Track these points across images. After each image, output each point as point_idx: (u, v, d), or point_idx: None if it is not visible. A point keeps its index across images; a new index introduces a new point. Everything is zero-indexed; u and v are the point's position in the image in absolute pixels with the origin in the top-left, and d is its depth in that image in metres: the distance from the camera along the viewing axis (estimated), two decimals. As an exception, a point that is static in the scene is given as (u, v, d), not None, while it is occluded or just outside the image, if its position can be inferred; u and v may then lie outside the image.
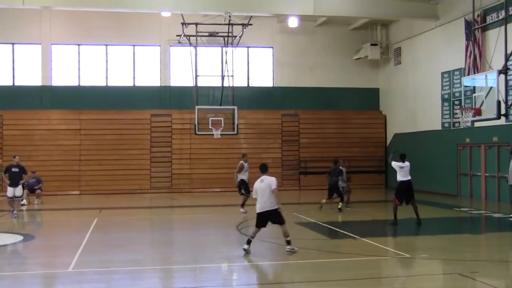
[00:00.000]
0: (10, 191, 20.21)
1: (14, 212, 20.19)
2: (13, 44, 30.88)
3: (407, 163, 17.50)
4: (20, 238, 15.92)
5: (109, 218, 20.47)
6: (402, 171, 17.41)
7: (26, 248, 14.90)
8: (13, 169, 20.38)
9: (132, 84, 31.84)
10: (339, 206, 20.78)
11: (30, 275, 11.68)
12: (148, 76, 32.03)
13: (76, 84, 31.33)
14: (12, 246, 15.04)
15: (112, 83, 31.62)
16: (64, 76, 31.34)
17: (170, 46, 31.73)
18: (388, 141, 33.22)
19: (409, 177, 17.40)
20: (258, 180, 13.40)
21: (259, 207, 13.18)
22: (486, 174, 24.41)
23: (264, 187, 13.14)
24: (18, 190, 20.45)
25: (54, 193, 28.79)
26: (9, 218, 19.97)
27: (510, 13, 21.23)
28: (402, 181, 17.37)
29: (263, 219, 13.21)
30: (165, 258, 13.43)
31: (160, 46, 31.82)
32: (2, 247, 14.83)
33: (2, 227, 18.21)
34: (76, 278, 11.21)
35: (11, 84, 30.85)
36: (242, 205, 20.22)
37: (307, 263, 12.19)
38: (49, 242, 15.40)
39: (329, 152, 31.79)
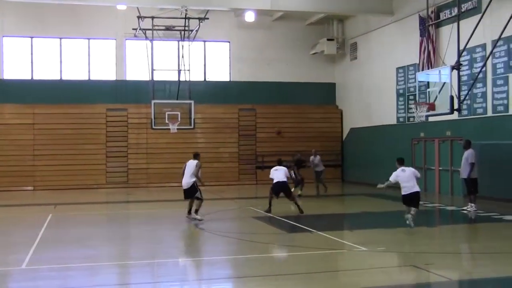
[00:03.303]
0: None
1: None
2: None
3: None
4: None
5: (64, 214, 20.19)
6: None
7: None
8: None
9: (87, 78, 31.43)
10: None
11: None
12: (103, 70, 31.66)
13: (29, 77, 30.77)
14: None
15: (67, 77, 31.16)
16: (16, 69, 30.75)
17: (126, 39, 31.42)
18: (345, 136, 33.54)
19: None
20: None
21: None
22: (440, 168, 24.84)
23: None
24: None
25: (7, 188, 28.30)
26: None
27: (463, 10, 21.62)
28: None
29: None
30: (121, 254, 13.32)
31: (115, 39, 31.48)
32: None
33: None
34: (30, 275, 11.02)
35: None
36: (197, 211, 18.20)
37: (265, 257, 12.23)
38: (2, 239, 15.10)
39: (286, 146, 32.00)
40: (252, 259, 12.21)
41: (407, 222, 15.15)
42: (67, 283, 10.60)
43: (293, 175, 22.22)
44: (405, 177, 15.40)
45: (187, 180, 17.35)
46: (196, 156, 17.92)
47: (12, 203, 24.05)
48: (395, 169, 15.63)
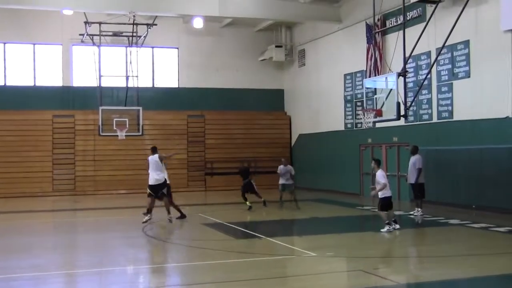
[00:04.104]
0: None
1: None
2: None
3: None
4: None
5: (8, 223, 19.74)
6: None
7: None
8: None
9: (32, 84, 30.84)
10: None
11: None
12: (49, 76, 31.13)
13: (-28, 83, 30.09)
14: None
15: (11, 82, 30.53)
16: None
17: (73, 45, 30.98)
18: (293, 142, 33.73)
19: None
20: None
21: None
22: (387, 174, 25.15)
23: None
24: None
25: None
26: None
27: (408, 18, 22.04)
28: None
29: None
30: (68, 262, 13.08)
31: (62, 45, 31.00)
32: None
33: None
34: (-27, 286, 10.74)
35: None
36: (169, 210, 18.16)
37: (215, 263, 12.17)
38: None
39: (235, 152, 32.05)
40: (202, 266, 12.15)
41: (392, 228, 15.32)
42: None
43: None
44: (387, 178, 15.64)
45: (155, 176, 17.24)
46: (154, 150, 17.85)
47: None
48: (374, 171, 15.88)
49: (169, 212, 17.69)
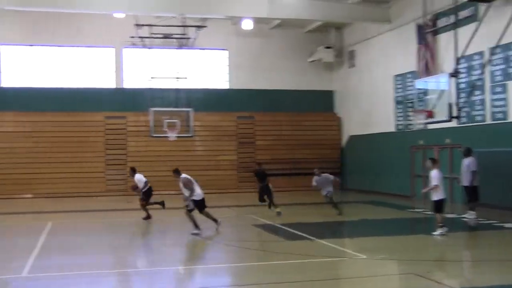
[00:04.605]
0: None
1: None
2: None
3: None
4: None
5: (63, 222, 20.14)
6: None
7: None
8: None
9: (86, 86, 31.43)
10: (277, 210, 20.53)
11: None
12: (102, 78, 31.69)
13: (28, 85, 30.79)
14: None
15: (66, 85, 31.18)
16: (15, 77, 30.79)
17: (124, 47, 31.44)
18: (344, 143, 33.55)
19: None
20: None
21: None
22: (439, 176, 24.79)
23: None
24: None
25: (6, 196, 28.24)
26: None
27: (460, 18, 21.69)
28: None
29: None
30: (121, 262, 13.29)
31: (114, 47, 31.50)
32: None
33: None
34: (30, 283, 11.00)
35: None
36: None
37: (264, 265, 12.21)
38: (2, 247, 15.07)
39: (284, 154, 32.07)
40: (251, 267, 12.19)
41: (441, 232, 15.13)
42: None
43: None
44: (442, 179, 15.29)
45: (200, 191, 16.78)
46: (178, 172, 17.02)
47: (11, 211, 24.00)
48: (429, 171, 15.54)
49: (215, 220, 17.13)
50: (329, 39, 33.14)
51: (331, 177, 20.52)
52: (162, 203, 20.63)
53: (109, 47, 31.50)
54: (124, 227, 19.41)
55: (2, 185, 28.67)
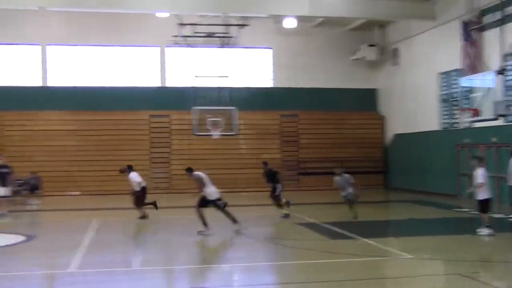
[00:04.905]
0: (0, 191, 20.31)
1: (1, 213, 20.25)
2: (11, 44, 30.89)
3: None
4: (22, 238, 15.95)
5: (109, 219, 20.44)
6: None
7: (28, 248, 14.90)
8: (1, 170, 20.44)
9: (130, 85, 31.84)
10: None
11: (31, 275, 11.68)
12: (146, 77, 32.06)
13: (73, 85, 31.35)
14: (14, 246, 15.04)
15: (110, 84, 31.63)
16: (61, 77, 31.37)
17: (167, 46, 31.72)
18: (388, 142, 33.29)
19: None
20: None
21: None
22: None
23: None
24: (6, 190, 20.53)
25: (53, 193, 28.78)
26: (11, 218, 19.97)
27: (507, 14, 21.32)
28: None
29: None
30: (167, 258, 13.45)
31: (159, 46, 31.83)
32: (5, 248, 14.86)
33: (5, 227, 18.24)
34: (76, 278, 11.21)
35: (11, 85, 30.86)
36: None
37: (309, 263, 12.21)
38: (50, 243, 15.39)
39: (328, 152, 31.96)
40: (296, 265, 12.22)
41: (489, 233, 14.92)
42: (112, 287, 10.74)
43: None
44: (487, 178, 15.01)
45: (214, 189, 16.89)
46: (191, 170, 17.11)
47: (59, 207, 24.46)
48: (474, 169, 15.28)
49: (234, 220, 16.79)
50: (372, 37, 32.89)
51: (352, 178, 19.58)
52: (154, 204, 20.46)
53: (154, 46, 31.84)
54: (169, 225, 19.59)
55: (50, 182, 29.21)
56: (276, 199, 20.02)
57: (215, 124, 27.88)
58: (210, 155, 31.24)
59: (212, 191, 16.47)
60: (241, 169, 31.07)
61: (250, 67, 33.08)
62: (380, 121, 33.74)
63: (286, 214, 19.47)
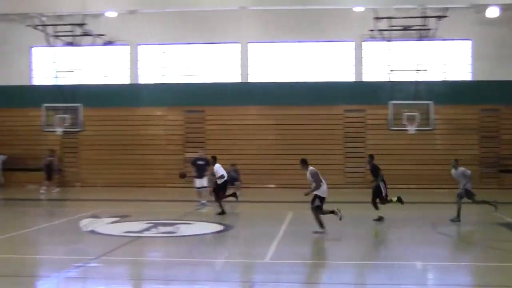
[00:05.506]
0: (197, 182, 21.66)
1: (202, 202, 21.44)
2: (213, 43, 32.56)
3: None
4: (221, 228, 16.81)
5: (304, 212, 20.82)
6: None
7: (226, 237, 15.69)
8: (199, 162, 21.92)
9: (325, 80, 32.16)
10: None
11: (229, 263, 12.26)
12: (341, 72, 32.20)
13: (272, 80, 32.32)
14: (213, 235, 15.92)
15: (306, 79, 32.19)
16: (261, 73, 32.48)
17: (363, 41, 31.56)
18: None
19: None
20: None
21: None
22: None
23: None
24: (204, 181, 21.78)
25: (251, 186, 29.88)
26: (211, 208, 21.07)
27: None
28: None
29: None
30: (361, 253, 13.45)
31: (354, 41, 31.81)
32: (203, 236, 15.76)
33: (205, 217, 19.33)
34: (273, 269, 11.59)
35: (213, 81, 32.56)
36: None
37: (507, 266, 11.62)
38: (247, 233, 16.02)
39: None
40: (495, 267, 11.68)
41: None
42: (307, 279, 10.96)
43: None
44: None
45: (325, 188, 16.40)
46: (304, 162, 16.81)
47: (256, 199, 25.39)
48: None
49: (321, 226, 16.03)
50: None
51: (468, 171, 18.26)
52: (234, 195, 20.30)
53: (348, 41, 31.88)
54: (362, 220, 19.53)
55: (247, 175, 30.34)
56: (383, 198, 18.67)
57: (411, 119, 27.36)
58: (405, 150, 30.61)
59: (325, 189, 16.08)
60: (437, 165, 30.03)
61: (448, 59, 31.91)
62: None
63: (380, 217, 18.14)
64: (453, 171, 18.47)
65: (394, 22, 28.26)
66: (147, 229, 16.38)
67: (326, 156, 31.16)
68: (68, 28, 29.98)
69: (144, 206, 22.66)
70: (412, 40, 30.26)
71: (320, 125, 31.39)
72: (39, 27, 29.04)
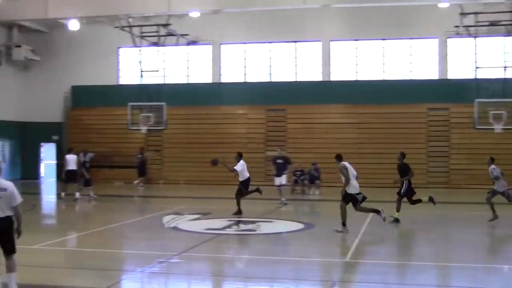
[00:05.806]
0: (276, 180, 21.74)
1: (282, 200, 21.47)
2: (295, 42, 32.60)
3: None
4: (301, 226, 16.84)
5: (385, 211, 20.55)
6: None
7: (306, 236, 15.69)
8: (278, 160, 22.03)
9: (408, 78, 31.64)
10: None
11: (309, 261, 12.26)
12: (425, 70, 31.60)
13: (353, 79, 32.07)
14: (293, 233, 15.96)
15: (388, 77, 31.76)
16: (342, 71, 32.29)
17: (448, 37, 30.86)
18: None
19: None
20: None
21: None
22: None
23: None
24: (283, 179, 21.73)
25: (332, 184, 29.70)
26: (291, 207, 21.11)
27: None
28: None
29: None
30: (440, 255, 13.20)
31: (438, 38, 31.15)
32: (284, 234, 15.83)
33: (285, 215, 19.39)
34: (353, 269, 11.53)
35: (294, 80, 32.61)
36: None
37: None
38: (328, 231, 15.96)
39: None
40: None
41: None
42: (387, 279, 10.83)
43: None
44: None
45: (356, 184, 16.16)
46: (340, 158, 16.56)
47: (336, 198, 24.98)
48: None
49: (376, 211, 16.09)
50: None
51: (497, 170, 17.58)
52: (258, 190, 19.29)
53: (433, 38, 31.24)
54: (443, 220, 19.12)
55: (328, 174, 29.92)
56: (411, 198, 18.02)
57: (497, 118, 26.56)
58: (491, 150, 29.61)
59: (356, 185, 15.77)
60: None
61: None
62: None
63: (396, 218, 17.42)
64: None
65: (481, 17, 27.51)
66: (228, 226, 16.60)
67: (408, 155, 30.37)
68: (153, 28, 30.80)
69: (225, 204, 22.91)
70: (500, 36, 29.37)
71: (402, 124, 30.91)
72: (126, 28, 29.87)
